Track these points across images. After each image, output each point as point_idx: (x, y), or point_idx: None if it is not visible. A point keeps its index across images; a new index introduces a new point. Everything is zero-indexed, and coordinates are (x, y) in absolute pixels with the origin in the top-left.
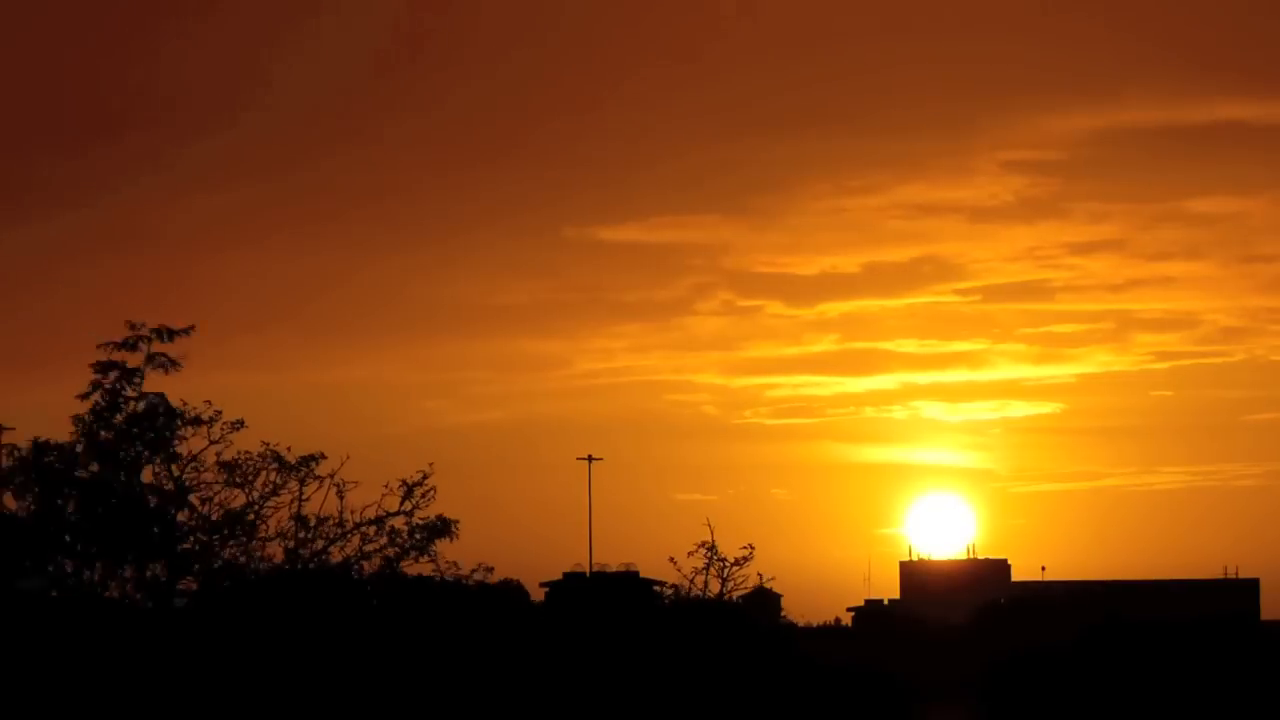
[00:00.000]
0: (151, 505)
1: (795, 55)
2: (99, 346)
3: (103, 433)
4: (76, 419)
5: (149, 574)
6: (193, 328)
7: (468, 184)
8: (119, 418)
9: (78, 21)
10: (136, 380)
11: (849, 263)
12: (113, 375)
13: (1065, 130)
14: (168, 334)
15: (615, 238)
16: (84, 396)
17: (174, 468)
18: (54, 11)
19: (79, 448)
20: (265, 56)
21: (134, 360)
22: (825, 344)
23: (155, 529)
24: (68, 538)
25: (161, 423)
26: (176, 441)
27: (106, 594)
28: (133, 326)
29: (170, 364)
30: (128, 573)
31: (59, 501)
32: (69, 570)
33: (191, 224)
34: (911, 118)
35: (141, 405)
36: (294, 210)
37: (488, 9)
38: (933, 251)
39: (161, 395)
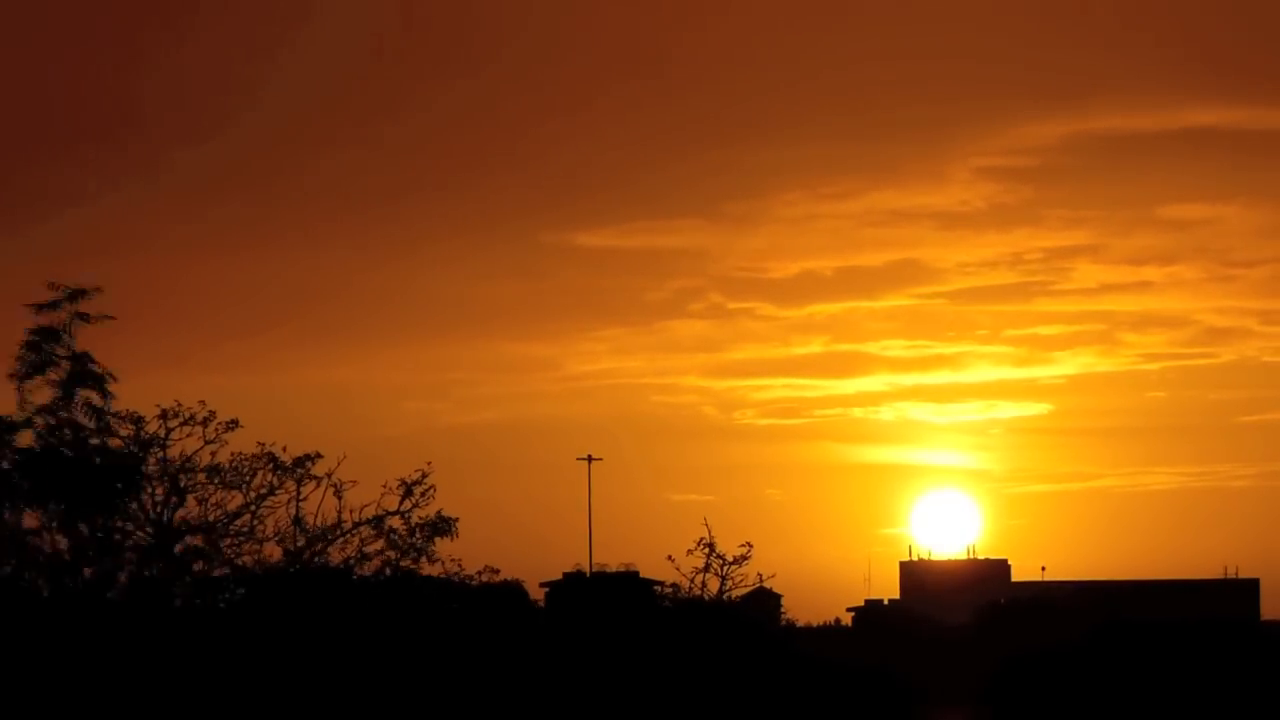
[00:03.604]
0: (99, 462)
1: (767, 62)
2: (24, 306)
3: (33, 383)
4: (10, 375)
5: (147, 574)
6: (100, 289)
7: (451, 188)
8: (52, 374)
9: (74, 28)
10: (66, 339)
11: (828, 267)
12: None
13: (1037, 136)
14: (80, 294)
15: (594, 243)
16: (17, 359)
17: (167, 466)
18: (52, 19)
19: (20, 411)
20: (255, 65)
21: (58, 320)
22: (812, 346)
23: (117, 484)
24: (10, 497)
25: (90, 381)
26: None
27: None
28: (53, 287)
29: (86, 318)
30: (83, 530)
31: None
32: (14, 527)
33: (184, 229)
34: (883, 125)
35: (69, 364)
36: (283, 216)
37: (468, 18)
38: (910, 256)
39: (87, 354)
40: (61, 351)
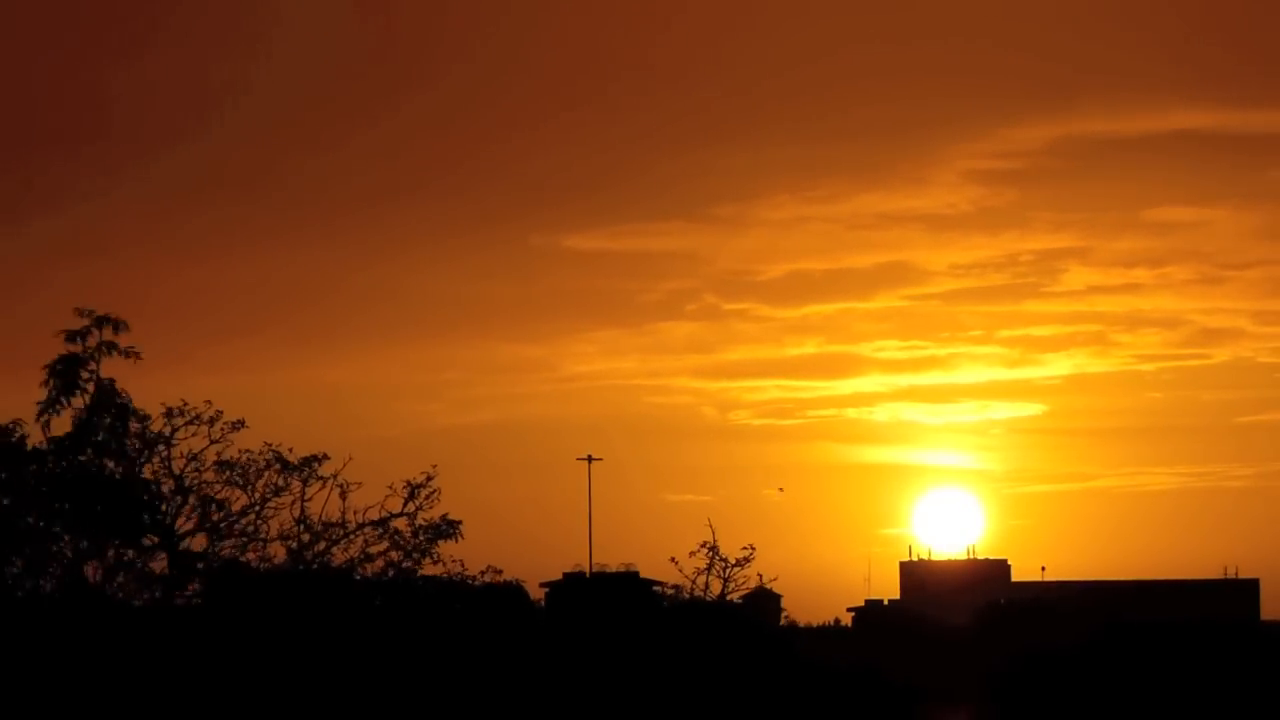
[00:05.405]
0: (118, 480)
1: (752, 65)
2: (55, 334)
3: (62, 406)
4: (39, 403)
5: (146, 568)
6: (125, 323)
7: (441, 190)
8: (77, 400)
9: (65, 30)
10: (91, 366)
11: (817, 269)
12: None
13: (1023, 139)
14: (115, 323)
15: (584, 245)
16: (44, 383)
17: (174, 466)
18: (41, 20)
19: (42, 431)
20: (246, 65)
21: (85, 346)
22: (806, 348)
23: (140, 512)
24: (32, 519)
25: (115, 410)
26: (136, 428)
27: (90, 581)
28: (81, 314)
29: (121, 352)
30: (107, 552)
31: (24, 482)
32: (39, 549)
33: (175, 230)
34: (868, 128)
35: (93, 389)
36: (274, 217)
37: (457, 19)
38: (899, 259)
39: (111, 380)
40: (85, 376)
